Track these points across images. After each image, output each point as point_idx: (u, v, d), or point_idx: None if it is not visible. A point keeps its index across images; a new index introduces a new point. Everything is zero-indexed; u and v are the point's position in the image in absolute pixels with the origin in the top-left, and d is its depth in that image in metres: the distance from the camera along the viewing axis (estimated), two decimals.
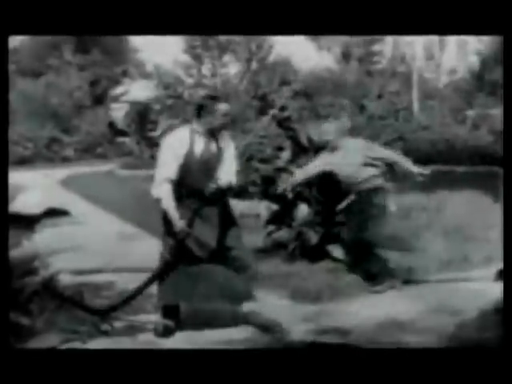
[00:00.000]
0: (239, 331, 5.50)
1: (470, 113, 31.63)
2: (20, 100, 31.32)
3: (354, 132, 12.58)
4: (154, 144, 28.40)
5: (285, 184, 7.49)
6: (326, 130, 7.26)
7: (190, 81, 41.82)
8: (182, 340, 5.22)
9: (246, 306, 5.62)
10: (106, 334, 5.45)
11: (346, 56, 44.06)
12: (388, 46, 45.05)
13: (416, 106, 34.36)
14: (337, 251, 7.60)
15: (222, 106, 5.54)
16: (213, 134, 5.58)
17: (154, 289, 6.83)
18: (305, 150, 7.88)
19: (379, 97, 32.81)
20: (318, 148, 7.86)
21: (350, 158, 6.99)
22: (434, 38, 43.99)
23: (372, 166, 6.98)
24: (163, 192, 5.41)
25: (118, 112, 35.73)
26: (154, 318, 5.65)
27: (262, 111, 30.15)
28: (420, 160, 24.21)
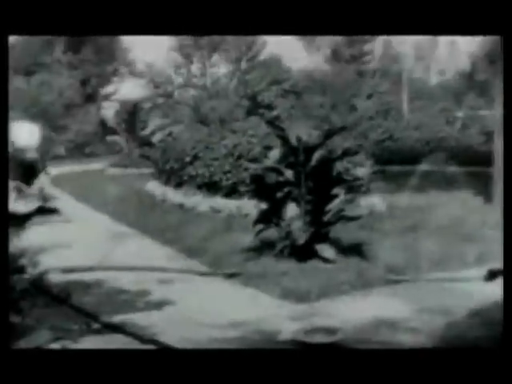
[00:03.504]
0: (230, 331, 5.49)
1: (460, 113, 31.74)
2: (12, 98, 31.23)
3: (344, 131, 12.61)
4: (144, 143, 28.44)
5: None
6: None
7: (179, 80, 41.87)
8: (175, 339, 5.21)
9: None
10: (97, 332, 5.44)
11: (336, 56, 44.09)
12: (378, 46, 45.15)
13: (406, 106, 34.49)
14: (325, 250, 7.61)
15: None
16: None
17: (149, 287, 6.86)
18: (294, 149, 7.88)
19: (369, 96, 32.88)
20: (307, 147, 7.88)
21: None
22: (425, 39, 44.12)
23: None
24: None
25: (109, 110, 35.74)
26: None
27: (251, 111, 30.22)
28: (410, 160, 24.20)
